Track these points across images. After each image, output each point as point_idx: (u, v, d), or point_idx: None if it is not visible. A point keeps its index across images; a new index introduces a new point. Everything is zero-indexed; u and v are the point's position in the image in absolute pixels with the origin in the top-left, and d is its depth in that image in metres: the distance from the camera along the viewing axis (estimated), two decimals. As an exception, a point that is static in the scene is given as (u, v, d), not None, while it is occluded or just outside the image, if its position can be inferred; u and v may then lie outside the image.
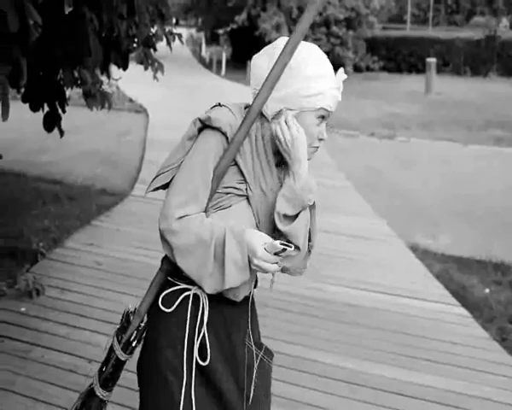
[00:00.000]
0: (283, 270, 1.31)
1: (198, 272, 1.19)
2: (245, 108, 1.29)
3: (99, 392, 1.31)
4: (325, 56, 1.27)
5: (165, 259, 1.28)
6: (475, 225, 5.36)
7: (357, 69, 17.04)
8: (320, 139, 1.28)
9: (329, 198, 5.60)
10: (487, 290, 3.85)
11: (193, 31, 22.86)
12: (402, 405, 2.47)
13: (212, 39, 21.55)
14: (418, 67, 17.23)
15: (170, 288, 1.27)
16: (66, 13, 1.41)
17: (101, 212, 4.75)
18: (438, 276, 3.98)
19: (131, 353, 1.31)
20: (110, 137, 8.01)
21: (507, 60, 17.19)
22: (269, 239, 1.19)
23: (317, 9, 1.23)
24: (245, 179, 1.24)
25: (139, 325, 1.30)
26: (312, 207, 1.30)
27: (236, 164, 1.23)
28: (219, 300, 1.26)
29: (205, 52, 21.02)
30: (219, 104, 1.26)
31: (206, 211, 1.24)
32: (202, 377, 1.25)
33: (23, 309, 3.03)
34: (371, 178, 6.81)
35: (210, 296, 1.25)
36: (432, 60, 14.04)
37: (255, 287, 1.37)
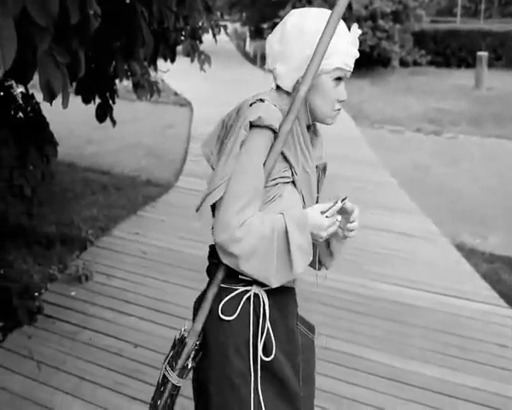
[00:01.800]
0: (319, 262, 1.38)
1: (263, 271, 1.18)
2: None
3: None
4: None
5: (214, 268, 1.25)
6: (527, 226, 5.13)
7: (403, 63, 16.59)
8: (340, 101, 1.27)
9: (374, 195, 5.51)
10: (539, 293, 3.69)
11: (237, 25, 22.91)
12: (446, 405, 2.41)
13: (257, 34, 21.52)
14: (468, 62, 16.59)
15: (227, 295, 1.24)
16: (128, 1, 1.44)
17: (147, 202, 4.88)
18: (484, 276, 3.84)
19: (187, 375, 1.26)
20: (155, 130, 8.16)
21: None
22: (321, 206, 1.22)
23: None
24: (290, 165, 1.24)
25: (195, 345, 1.25)
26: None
27: (282, 152, 1.22)
28: (273, 290, 1.25)
29: (249, 47, 21.04)
30: (261, 100, 1.21)
31: None
32: (266, 372, 1.24)
33: (73, 293, 3.16)
34: (417, 174, 6.64)
35: (266, 290, 1.24)
36: (483, 53, 13.49)
37: None
